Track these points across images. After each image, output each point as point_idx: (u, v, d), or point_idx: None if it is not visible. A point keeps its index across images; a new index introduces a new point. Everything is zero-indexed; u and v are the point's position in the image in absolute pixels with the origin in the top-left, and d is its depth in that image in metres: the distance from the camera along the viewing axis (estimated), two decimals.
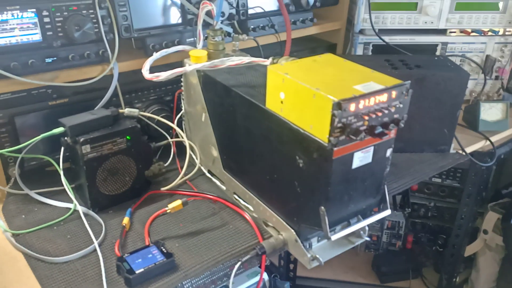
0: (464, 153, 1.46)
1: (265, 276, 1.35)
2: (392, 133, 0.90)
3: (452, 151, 1.45)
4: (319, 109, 0.81)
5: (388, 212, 0.98)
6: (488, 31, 1.69)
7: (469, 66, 1.72)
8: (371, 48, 1.70)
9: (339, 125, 0.79)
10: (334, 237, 0.90)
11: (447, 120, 1.39)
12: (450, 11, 1.64)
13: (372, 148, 0.88)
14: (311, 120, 0.84)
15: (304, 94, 0.84)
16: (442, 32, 1.69)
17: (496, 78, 1.74)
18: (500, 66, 1.71)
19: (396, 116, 0.86)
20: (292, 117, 0.89)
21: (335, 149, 0.81)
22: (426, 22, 1.67)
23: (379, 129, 0.82)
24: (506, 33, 1.69)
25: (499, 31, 1.69)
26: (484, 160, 1.54)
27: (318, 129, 0.82)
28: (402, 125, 0.86)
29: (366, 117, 0.81)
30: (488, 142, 1.54)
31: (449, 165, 1.40)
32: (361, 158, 0.87)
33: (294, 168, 0.92)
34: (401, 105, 0.86)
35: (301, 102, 0.85)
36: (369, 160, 0.89)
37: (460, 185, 1.85)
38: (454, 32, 1.70)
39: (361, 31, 1.69)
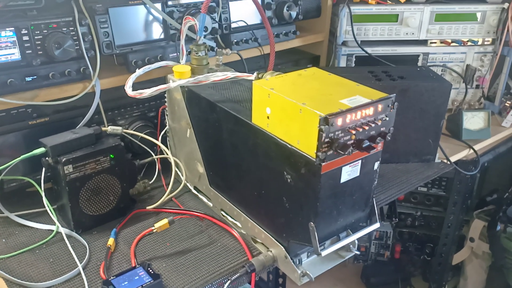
0: (449, 162, 1.47)
1: None
2: (379, 146, 0.90)
3: (437, 160, 1.46)
4: (306, 124, 0.80)
5: (377, 225, 0.97)
6: (468, 41, 1.72)
7: (450, 76, 1.74)
8: (354, 59, 1.71)
9: (327, 140, 0.78)
10: (324, 253, 0.89)
11: (431, 130, 1.40)
12: (430, 22, 1.67)
13: (359, 162, 0.87)
14: (298, 135, 0.83)
15: (290, 109, 0.83)
16: (423, 43, 1.72)
17: (477, 87, 1.76)
18: (480, 75, 1.74)
19: (382, 129, 0.86)
20: (278, 133, 0.88)
21: (323, 164, 0.80)
22: (407, 33, 1.69)
23: (366, 143, 0.82)
24: (485, 42, 1.72)
25: (478, 41, 1.72)
26: (468, 168, 1.55)
27: (306, 144, 0.82)
28: (389, 138, 0.86)
29: (353, 131, 0.81)
30: (471, 151, 1.56)
31: (435, 174, 1.41)
32: (349, 172, 0.87)
33: (282, 184, 0.90)
34: (387, 118, 0.86)
35: (287, 117, 0.84)
36: (357, 173, 0.88)
37: (445, 193, 1.86)
38: (435, 42, 1.72)
39: (344, 43, 1.70)
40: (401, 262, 2.01)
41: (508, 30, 1.63)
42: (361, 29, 1.67)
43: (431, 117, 1.38)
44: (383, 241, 1.99)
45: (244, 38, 1.49)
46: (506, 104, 1.73)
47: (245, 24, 1.47)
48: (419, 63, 1.72)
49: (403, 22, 1.66)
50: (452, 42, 1.72)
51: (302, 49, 1.82)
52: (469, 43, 1.72)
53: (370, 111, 0.83)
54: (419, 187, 1.92)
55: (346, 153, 0.79)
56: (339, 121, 0.79)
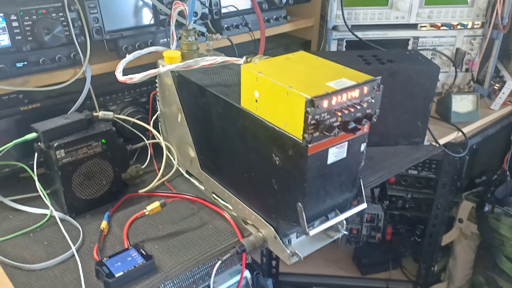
0: (437, 145, 1.49)
1: (248, 273, 1.36)
2: (366, 128, 0.91)
3: (426, 143, 1.49)
4: (293, 106, 0.82)
5: (364, 205, 0.99)
6: (457, 24, 1.73)
7: (440, 59, 1.76)
8: (344, 44, 1.72)
9: (313, 122, 0.80)
10: (312, 233, 0.91)
11: (420, 112, 1.42)
12: (420, 6, 1.67)
13: (346, 143, 0.89)
14: (285, 118, 0.85)
15: (277, 92, 0.84)
16: (413, 26, 1.72)
17: (467, 70, 1.78)
18: (469, 59, 1.75)
19: (368, 111, 0.88)
20: (267, 115, 0.90)
21: (309, 145, 0.82)
22: (397, 17, 1.69)
23: (352, 125, 0.84)
24: (475, 26, 1.73)
25: (467, 24, 1.73)
26: (457, 150, 1.57)
27: (293, 126, 0.83)
28: (375, 120, 0.88)
29: (339, 113, 0.82)
30: (460, 133, 1.58)
31: (423, 156, 1.43)
32: (336, 153, 0.88)
33: (271, 166, 0.92)
34: (373, 100, 0.87)
35: (275, 100, 0.86)
36: (344, 155, 0.90)
37: (435, 176, 1.89)
38: (425, 26, 1.73)
39: (335, 28, 1.71)
40: (392, 244, 2.05)
41: (497, 13, 1.64)
42: (351, 13, 1.67)
43: (420, 100, 1.40)
44: (374, 224, 2.03)
45: (235, 23, 1.50)
46: (495, 87, 1.75)
47: (236, 9, 1.47)
48: (410, 47, 1.73)
49: (393, 5, 1.67)
50: (442, 25, 1.73)
51: (293, 34, 1.82)
52: (458, 27, 1.73)
53: (355, 93, 0.85)
54: (409, 170, 1.94)
55: (331, 134, 0.81)
56: (325, 103, 0.80)
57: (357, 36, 1.68)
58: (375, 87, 0.87)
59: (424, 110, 1.42)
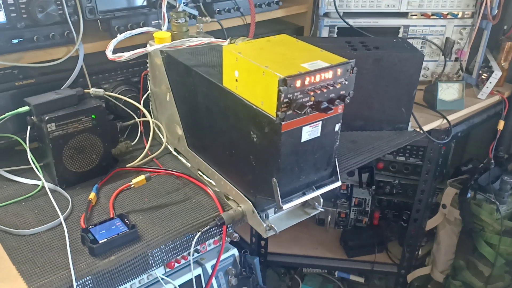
0: (421, 131, 1.53)
1: (235, 251, 1.40)
2: (340, 109, 0.96)
3: (410, 129, 1.53)
4: (268, 85, 0.86)
5: (338, 183, 1.04)
6: (448, 14, 1.75)
7: (430, 48, 1.79)
8: (336, 31, 1.75)
9: (286, 100, 0.85)
10: (285, 207, 0.96)
11: (404, 99, 1.46)
12: None
13: (320, 123, 0.94)
14: (262, 97, 0.89)
15: (255, 72, 0.89)
16: (404, 15, 1.75)
17: (456, 59, 1.81)
18: (459, 48, 1.78)
19: (342, 92, 0.92)
20: (246, 94, 0.94)
21: (283, 123, 0.87)
22: (388, 6, 1.72)
23: (325, 105, 0.88)
24: (465, 16, 1.75)
25: (458, 14, 1.75)
26: (440, 137, 1.61)
27: (268, 104, 0.88)
28: (348, 101, 0.92)
29: (312, 93, 0.87)
30: (445, 121, 1.62)
31: (405, 142, 1.48)
32: (310, 132, 0.93)
33: (249, 143, 0.97)
34: (346, 82, 0.92)
35: (252, 80, 0.90)
36: (318, 134, 0.95)
37: (422, 162, 1.93)
38: (415, 15, 1.76)
39: (326, 14, 1.74)
40: (380, 228, 2.10)
41: (486, 4, 1.66)
42: (343, 0, 1.70)
43: (404, 86, 1.43)
44: (361, 208, 2.07)
45: (227, 7, 1.53)
46: (483, 76, 1.78)
47: None
48: (400, 35, 1.76)
49: None
50: (432, 15, 1.76)
51: (286, 20, 1.86)
52: (449, 16, 1.75)
53: (329, 74, 0.89)
54: (397, 156, 1.99)
55: (303, 112, 0.85)
56: (298, 83, 0.84)
57: (348, 23, 1.71)
58: (349, 70, 0.91)
59: (408, 97, 1.46)
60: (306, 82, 0.86)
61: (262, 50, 0.96)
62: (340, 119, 0.98)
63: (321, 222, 2.17)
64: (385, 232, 2.10)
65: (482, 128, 1.94)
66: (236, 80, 0.95)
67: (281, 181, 0.94)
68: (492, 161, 1.78)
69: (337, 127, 0.98)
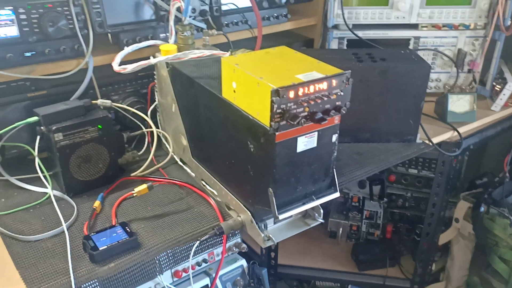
0: (430, 143, 1.51)
1: (244, 262, 1.41)
2: (336, 120, 0.96)
3: (418, 141, 1.51)
4: (263, 96, 0.87)
5: (336, 194, 1.04)
6: (459, 25, 1.74)
7: (442, 60, 1.77)
8: (345, 42, 1.75)
9: (279, 110, 0.86)
10: (281, 217, 0.97)
11: (412, 111, 1.45)
12: (421, 6, 1.70)
13: (316, 134, 0.94)
14: (257, 107, 0.91)
15: (251, 83, 0.90)
16: (414, 26, 1.75)
17: (469, 71, 1.78)
18: (471, 60, 1.76)
19: (338, 103, 0.92)
20: (243, 105, 0.96)
21: (277, 133, 0.88)
22: (398, 17, 1.72)
23: (319, 115, 0.89)
24: (477, 27, 1.73)
25: (470, 25, 1.73)
26: (451, 150, 1.59)
27: (263, 115, 0.89)
28: (344, 112, 0.93)
29: (305, 104, 0.88)
30: (456, 133, 1.60)
31: (413, 154, 1.46)
32: (306, 142, 0.94)
33: (247, 153, 0.98)
34: (342, 93, 0.92)
35: (249, 91, 0.92)
36: (314, 144, 0.95)
37: (435, 175, 1.90)
38: (426, 26, 1.75)
39: (336, 26, 1.74)
40: (392, 242, 2.07)
41: (498, 15, 1.64)
42: (352, 12, 1.71)
43: (411, 98, 1.42)
44: (373, 221, 2.05)
45: (235, 20, 1.56)
46: (497, 88, 1.75)
47: (236, 7, 1.54)
48: (411, 47, 1.75)
49: (394, 5, 1.69)
50: (443, 26, 1.74)
51: (297, 32, 1.87)
52: (460, 27, 1.74)
53: (323, 85, 0.89)
54: (409, 169, 1.96)
55: (296, 123, 0.86)
56: (291, 94, 0.85)
57: (357, 35, 1.71)
58: (344, 81, 0.92)
59: (415, 108, 1.44)
60: (300, 93, 0.87)
61: (260, 61, 0.98)
62: (337, 130, 0.98)
63: (333, 235, 2.15)
64: (398, 246, 2.07)
65: (498, 140, 1.90)
66: (234, 91, 0.97)
67: (277, 191, 0.95)
68: (507, 174, 1.74)
69: (334, 137, 0.98)
